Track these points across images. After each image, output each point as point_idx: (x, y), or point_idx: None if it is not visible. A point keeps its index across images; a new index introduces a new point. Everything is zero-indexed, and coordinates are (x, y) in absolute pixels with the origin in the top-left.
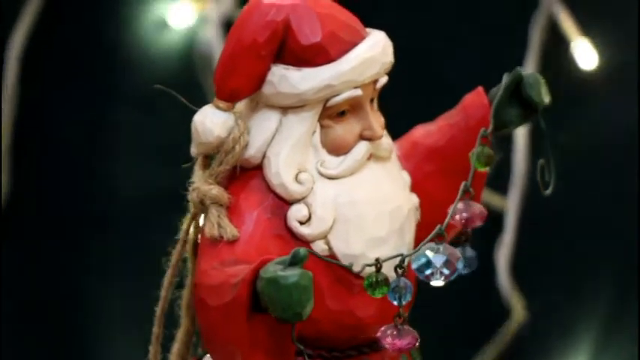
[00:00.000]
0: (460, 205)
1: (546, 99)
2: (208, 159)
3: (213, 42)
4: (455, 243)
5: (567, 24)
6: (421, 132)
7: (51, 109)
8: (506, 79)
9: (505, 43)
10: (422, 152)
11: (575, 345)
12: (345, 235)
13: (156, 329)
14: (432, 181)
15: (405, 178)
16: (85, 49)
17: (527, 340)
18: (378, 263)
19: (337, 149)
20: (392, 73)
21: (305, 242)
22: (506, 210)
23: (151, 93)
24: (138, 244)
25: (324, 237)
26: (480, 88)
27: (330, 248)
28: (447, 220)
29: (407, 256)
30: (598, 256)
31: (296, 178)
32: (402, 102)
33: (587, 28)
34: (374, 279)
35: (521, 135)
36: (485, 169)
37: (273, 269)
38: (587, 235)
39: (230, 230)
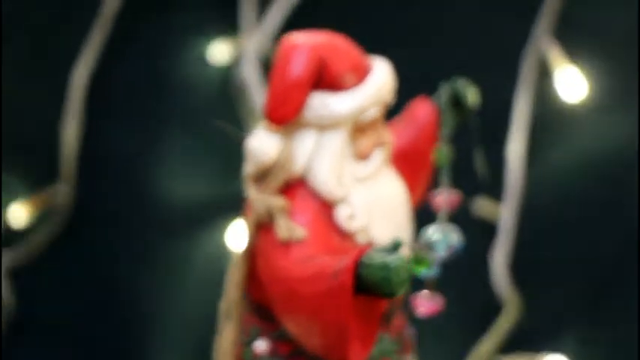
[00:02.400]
0: (441, 193)
1: (474, 101)
2: (259, 176)
3: (250, 77)
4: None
5: (556, 56)
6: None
7: (111, 131)
8: (443, 90)
9: (497, 74)
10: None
11: (564, 339)
12: (379, 226)
13: (227, 323)
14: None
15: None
16: (140, 82)
17: (521, 334)
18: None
19: (362, 157)
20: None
21: (351, 235)
22: (501, 215)
23: (195, 120)
24: (186, 251)
25: (365, 230)
26: (424, 97)
27: (370, 238)
28: (444, 210)
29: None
30: (584, 258)
31: (338, 183)
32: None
33: (575, 59)
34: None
35: (516, 143)
36: (446, 165)
37: (380, 256)
38: (576, 238)
39: (299, 231)
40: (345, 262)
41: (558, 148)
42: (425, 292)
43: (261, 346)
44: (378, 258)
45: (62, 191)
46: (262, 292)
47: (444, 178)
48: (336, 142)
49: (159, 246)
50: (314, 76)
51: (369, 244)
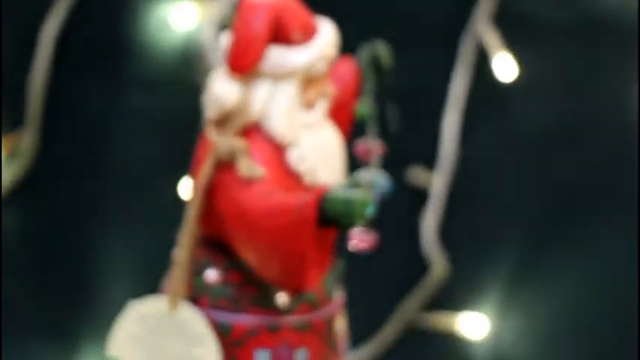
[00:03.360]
0: (367, 142)
1: (389, 61)
2: (219, 120)
3: (209, 41)
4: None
5: (492, 40)
6: None
7: (76, 85)
8: (363, 50)
9: (437, 55)
10: None
11: (485, 300)
12: (323, 169)
13: (185, 253)
14: None
15: None
16: (105, 41)
17: (445, 295)
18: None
19: (309, 106)
20: None
21: (300, 176)
22: (433, 183)
23: (154, 79)
24: (140, 200)
25: (312, 171)
26: (347, 56)
27: (315, 179)
28: (375, 156)
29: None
30: (509, 225)
31: (290, 128)
32: None
33: (510, 44)
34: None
35: (451, 118)
36: (370, 116)
37: (343, 191)
38: (501, 206)
39: (259, 170)
40: (308, 197)
41: (491, 123)
42: (360, 228)
43: (211, 275)
44: (341, 193)
45: (27, 137)
46: (215, 226)
47: (371, 129)
48: (289, 91)
49: (116, 195)
50: (272, 31)
51: (323, 185)
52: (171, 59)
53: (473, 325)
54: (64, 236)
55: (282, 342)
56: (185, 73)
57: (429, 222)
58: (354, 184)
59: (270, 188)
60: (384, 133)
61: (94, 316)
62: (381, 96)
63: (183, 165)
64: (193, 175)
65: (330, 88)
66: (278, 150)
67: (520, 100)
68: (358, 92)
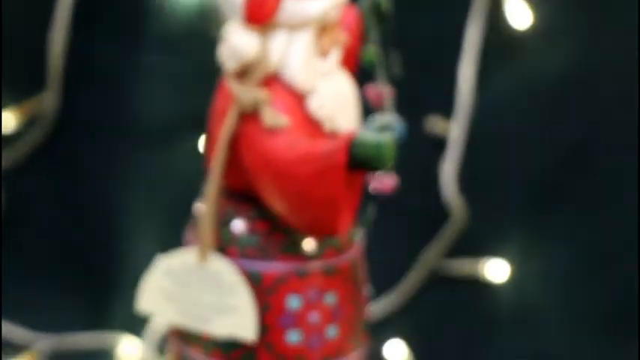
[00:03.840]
0: (378, 87)
1: (388, 8)
2: (239, 72)
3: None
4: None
5: None
6: None
7: (96, 46)
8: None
9: (450, 5)
10: None
11: (506, 245)
12: (340, 116)
13: (211, 204)
14: None
15: None
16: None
17: (466, 241)
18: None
19: (324, 54)
20: None
21: (320, 123)
22: (451, 131)
23: (172, 35)
24: (163, 156)
25: (331, 118)
26: (350, 5)
27: (335, 126)
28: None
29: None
30: (527, 170)
31: (308, 77)
32: None
33: None
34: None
35: (467, 66)
36: (377, 62)
37: (371, 135)
38: (520, 152)
39: (284, 119)
40: (337, 142)
41: (506, 71)
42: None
43: (238, 225)
44: (370, 137)
45: (48, 99)
46: (239, 178)
47: (379, 74)
48: (305, 40)
49: (138, 152)
50: None
51: (345, 130)
52: (190, 14)
53: (495, 270)
54: (88, 195)
55: (311, 287)
56: (203, 27)
57: (448, 170)
58: (380, 128)
59: (295, 136)
60: (396, 81)
61: (122, 272)
62: (384, 42)
63: (204, 120)
64: (212, 128)
65: (343, 36)
66: (297, 98)
67: (534, 47)
68: (362, 39)
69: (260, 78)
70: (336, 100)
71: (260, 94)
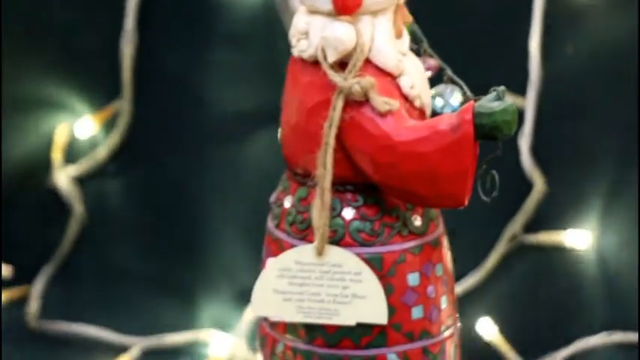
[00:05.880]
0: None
1: None
2: (339, 63)
3: None
4: None
5: None
6: None
7: (163, 49)
8: None
9: None
10: None
11: (586, 211)
12: (423, 92)
13: (327, 195)
14: None
15: None
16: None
17: (547, 210)
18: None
19: (399, 35)
20: None
21: (412, 102)
22: (525, 106)
23: (239, 31)
24: (237, 152)
25: (419, 95)
26: None
27: (423, 103)
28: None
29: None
30: (600, 140)
31: (397, 59)
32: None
33: None
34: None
35: (535, 39)
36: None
37: (492, 104)
38: (592, 123)
39: (395, 102)
40: (460, 116)
41: (572, 41)
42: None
43: (348, 213)
44: (492, 106)
45: (122, 105)
46: (341, 168)
47: (423, 46)
48: (387, 23)
49: (212, 152)
50: None
51: (468, 103)
52: (255, 10)
53: (576, 239)
54: (168, 195)
55: (425, 261)
56: (270, 22)
57: (525, 143)
58: (498, 97)
59: (406, 117)
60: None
61: (208, 269)
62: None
63: (276, 113)
64: (288, 118)
65: (409, 15)
66: (393, 80)
67: (600, 16)
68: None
69: (360, 66)
70: (419, 78)
71: (368, 81)
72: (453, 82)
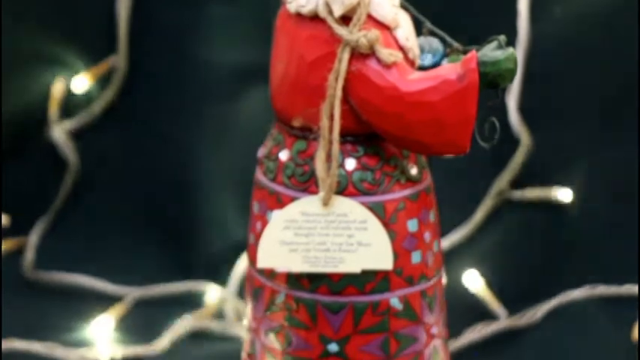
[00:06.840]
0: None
1: None
2: (343, 18)
3: None
4: None
5: None
6: None
7: (158, 3)
8: None
9: None
10: None
11: (571, 168)
12: (413, 43)
13: (335, 147)
14: None
15: None
16: None
17: (534, 165)
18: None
19: None
20: None
21: (407, 53)
22: None
23: None
24: (231, 108)
25: (412, 47)
26: None
27: (415, 54)
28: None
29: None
30: (586, 96)
31: (393, 11)
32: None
33: None
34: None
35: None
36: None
37: (494, 53)
38: (579, 80)
39: (399, 53)
40: (464, 65)
41: (560, 3)
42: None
43: (350, 164)
44: (495, 54)
45: (118, 61)
46: (346, 119)
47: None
48: None
49: (206, 107)
50: None
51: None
52: None
53: (562, 195)
54: (161, 149)
55: (422, 207)
56: None
57: (513, 100)
58: (500, 45)
59: (408, 68)
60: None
61: (200, 222)
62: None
63: (268, 68)
64: (279, 70)
65: None
66: (389, 33)
67: None
68: None
69: (364, 20)
70: (410, 30)
71: (373, 34)
72: (433, 34)
